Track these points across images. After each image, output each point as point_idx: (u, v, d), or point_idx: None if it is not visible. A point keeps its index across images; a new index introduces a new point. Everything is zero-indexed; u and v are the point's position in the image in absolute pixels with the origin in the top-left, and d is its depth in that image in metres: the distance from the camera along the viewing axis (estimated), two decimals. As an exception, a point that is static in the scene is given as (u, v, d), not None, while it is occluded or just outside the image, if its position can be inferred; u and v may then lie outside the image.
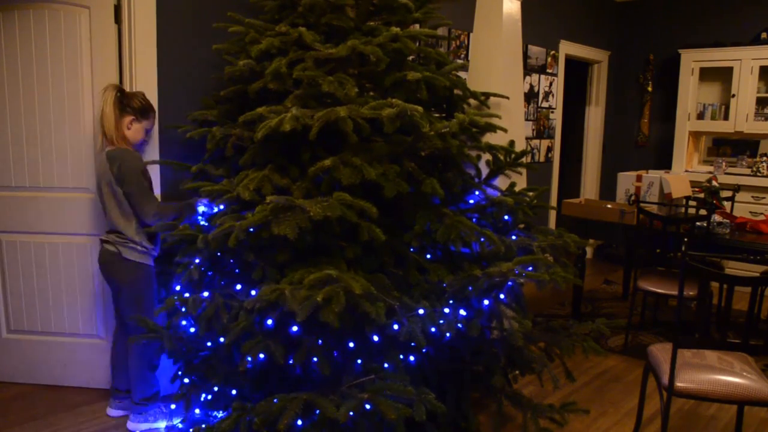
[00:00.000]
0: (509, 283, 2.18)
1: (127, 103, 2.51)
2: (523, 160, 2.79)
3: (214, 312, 2.09)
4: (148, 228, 2.50)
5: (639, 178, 4.16)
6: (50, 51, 2.70)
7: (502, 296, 2.26)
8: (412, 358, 2.14)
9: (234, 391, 2.20)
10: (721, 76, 5.41)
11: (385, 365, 2.10)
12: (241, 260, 2.21)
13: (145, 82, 2.75)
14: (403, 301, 2.09)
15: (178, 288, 2.45)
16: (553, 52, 5.38)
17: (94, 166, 2.81)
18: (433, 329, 2.04)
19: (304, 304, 1.84)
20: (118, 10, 2.71)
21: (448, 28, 4.12)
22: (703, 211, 3.78)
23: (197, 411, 2.33)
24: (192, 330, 2.28)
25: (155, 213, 2.46)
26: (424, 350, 2.13)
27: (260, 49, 2.31)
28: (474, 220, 2.51)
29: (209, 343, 2.29)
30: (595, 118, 6.18)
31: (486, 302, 2.22)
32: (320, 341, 2.05)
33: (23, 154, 2.78)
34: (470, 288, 2.16)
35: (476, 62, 3.02)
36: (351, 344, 2.12)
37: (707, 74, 5.49)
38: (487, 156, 2.75)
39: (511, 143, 2.75)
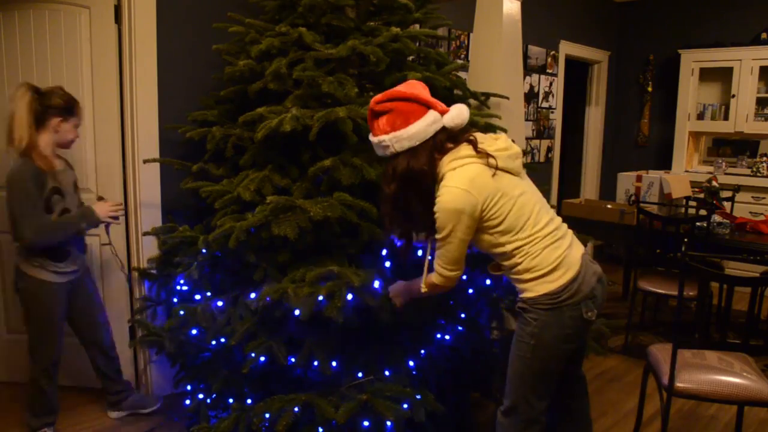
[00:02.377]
0: (505, 279, 2.18)
1: (48, 103, 2.21)
2: (523, 160, 2.78)
3: (215, 315, 2.09)
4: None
5: (639, 179, 4.16)
6: (50, 51, 2.70)
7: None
8: (413, 358, 2.14)
9: (234, 392, 2.20)
10: (721, 76, 5.40)
11: (387, 365, 2.10)
12: (242, 261, 2.20)
13: (145, 82, 2.75)
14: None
15: (180, 287, 2.45)
16: (553, 52, 5.38)
17: (93, 165, 2.81)
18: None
19: (307, 301, 1.84)
20: (118, 10, 2.71)
21: (448, 28, 4.12)
22: (703, 212, 3.78)
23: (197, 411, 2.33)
24: (194, 332, 2.28)
25: (33, 236, 2.17)
26: (424, 351, 2.13)
27: (260, 49, 2.31)
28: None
29: (211, 344, 2.29)
30: (595, 118, 6.17)
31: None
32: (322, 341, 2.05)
33: (23, 154, 2.77)
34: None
35: (476, 62, 3.02)
36: (351, 346, 2.12)
37: (707, 74, 5.49)
38: (487, 156, 2.74)
39: (511, 143, 2.74)
